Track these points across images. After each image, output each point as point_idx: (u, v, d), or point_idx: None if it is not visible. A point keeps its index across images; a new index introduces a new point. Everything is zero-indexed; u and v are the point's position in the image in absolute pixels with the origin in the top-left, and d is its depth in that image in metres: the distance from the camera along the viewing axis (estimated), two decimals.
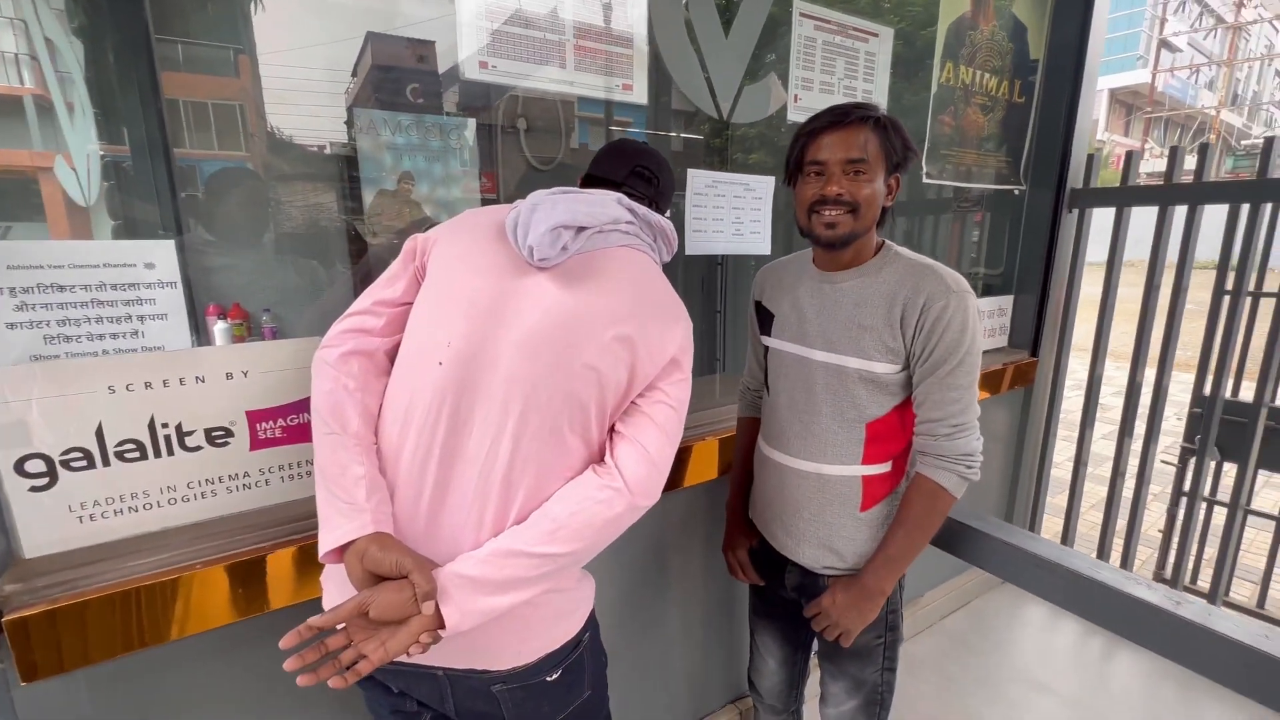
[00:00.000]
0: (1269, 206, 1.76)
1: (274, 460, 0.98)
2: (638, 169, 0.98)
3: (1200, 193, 1.87)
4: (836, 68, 1.61)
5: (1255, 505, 2.18)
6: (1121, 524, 2.29)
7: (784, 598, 1.22)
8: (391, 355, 0.87)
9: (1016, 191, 2.21)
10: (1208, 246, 1.93)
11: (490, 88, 1.24)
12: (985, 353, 2.20)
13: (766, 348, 1.16)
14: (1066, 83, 2.09)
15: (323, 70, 1.11)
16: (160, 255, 0.88)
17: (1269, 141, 1.88)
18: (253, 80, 1.11)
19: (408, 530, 0.80)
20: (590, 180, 0.99)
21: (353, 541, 0.74)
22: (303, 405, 0.99)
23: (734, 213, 1.53)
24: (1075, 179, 2.13)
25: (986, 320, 2.20)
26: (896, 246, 1.06)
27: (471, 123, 1.19)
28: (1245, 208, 1.86)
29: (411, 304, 0.87)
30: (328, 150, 1.15)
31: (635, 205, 0.89)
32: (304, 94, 1.11)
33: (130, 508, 0.88)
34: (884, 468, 1.07)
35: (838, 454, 1.06)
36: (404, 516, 0.80)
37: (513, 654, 0.82)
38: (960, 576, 2.34)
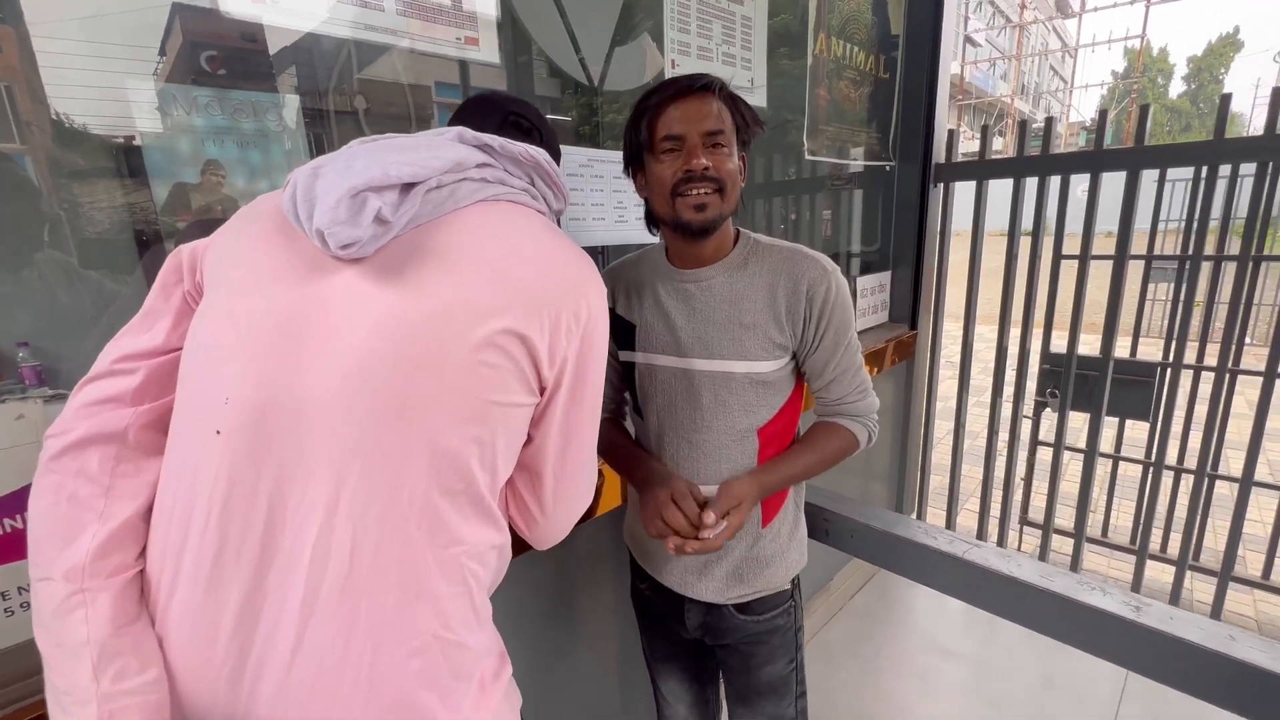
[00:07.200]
0: (1106, 176, 1.89)
1: None
2: (512, 117, 0.75)
3: (1048, 164, 1.97)
4: (714, 31, 1.45)
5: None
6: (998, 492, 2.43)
7: (684, 638, 1.07)
8: (163, 427, 0.59)
9: (888, 168, 2.23)
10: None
11: (315, 63, 0.96)
12: (869, 330, 2.21)
13: (631, 364, 0.98)
14: (925, 59, 2.12)
15: (118, 45, 0.81)
16: None
17: (1049, 121, 2.29)
18: (21, 56, 0.78)
19: (206, 691, 0.53)
20: None
21: None
22: (17, 502, 0.67)
23: (615, 195, 1.33)
24: (939, 154, 2.18)
25: (869, 297, 2.21)
26: (753, 234, 0.95)
27: (292, 100, 0.92)
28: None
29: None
30: (136, 141, 0.85)
31: (490, 137, 0.64)
32: (93, 73, 0.81)
33: None
34: None
35: (733, 470, 0.93)
36: (195, 671, 0.53)
37: None
38: None
